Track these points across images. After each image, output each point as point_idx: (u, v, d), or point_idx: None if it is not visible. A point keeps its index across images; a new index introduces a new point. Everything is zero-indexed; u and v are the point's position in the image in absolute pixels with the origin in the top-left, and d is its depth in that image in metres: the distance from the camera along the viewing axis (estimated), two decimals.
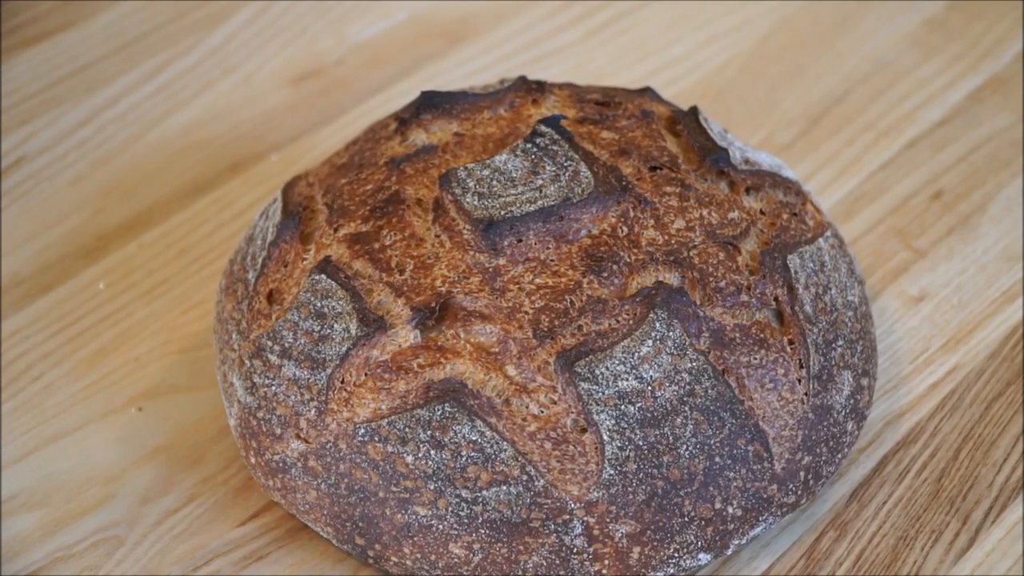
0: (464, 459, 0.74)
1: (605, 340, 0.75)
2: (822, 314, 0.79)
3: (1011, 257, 0.93)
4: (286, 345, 0.77)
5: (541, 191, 0.78)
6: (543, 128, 0.81)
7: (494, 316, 0.76)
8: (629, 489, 0.74)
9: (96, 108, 1.05)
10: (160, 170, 1.01)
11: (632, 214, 0.78)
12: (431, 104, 0.84)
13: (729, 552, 0.77)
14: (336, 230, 0.80)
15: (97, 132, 1.03)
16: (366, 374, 0.76)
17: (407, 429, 0.74)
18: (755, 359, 0.76)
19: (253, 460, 0.79)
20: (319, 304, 0.77)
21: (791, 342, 0.78)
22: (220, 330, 0.83)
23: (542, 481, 0.74)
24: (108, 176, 1.01)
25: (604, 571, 0.75)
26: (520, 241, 0.77)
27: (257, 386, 0.78)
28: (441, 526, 0.74)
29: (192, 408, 0.87)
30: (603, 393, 0.74)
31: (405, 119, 0.84)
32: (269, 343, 0.78)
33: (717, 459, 0.75)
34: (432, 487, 0.74)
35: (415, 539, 0.75)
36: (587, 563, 0.75)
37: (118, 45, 1.10)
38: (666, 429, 0.74)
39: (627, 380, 0.74)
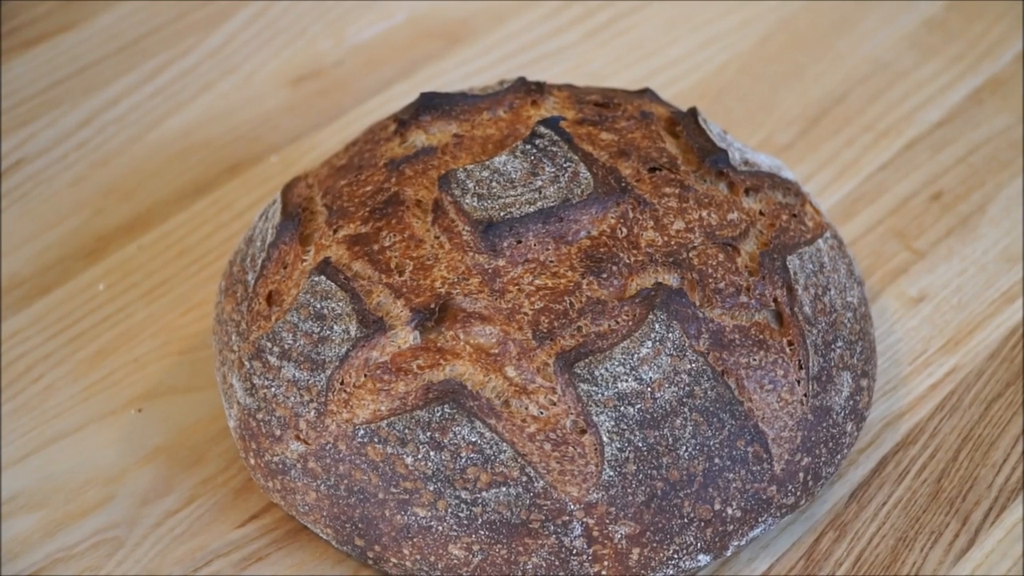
0: (464, 460, 0.74)
1: (604, 341, 0.75)
2: (821, 315, 0.79)
3: (1010, 258, 0.93)
4: (285, 346, 0.77)
5: (540, 192, 0.78)
6: (542, 129, 0.81)
7: (493, 317, 0.76)
8: (628, 490, 0.74)
9: (95, 109, 1.05)
10: (159, 171, 1.01)
11: (631, 215, 0.78)
12: (430, 105, 0.84)
13: (728, 553, 0.77)
14: (335, 231, 0.80)
15: (96, 133, 1.03)
16: (365, 375, 0.76)
17: (407, 430, 0.74)
18: (754, 360, 0.77)
19: (253, 461, 0.79)
20: (318, 305, 0.77)
21: (790, 343, 0.78)
22: (219, 331, 0.83)
23: (541, 482, 0.74)
24: (107, 177, 1.01)
25: (603, 572, 0.75)
26: (519, 242, 0.77)
27: (257, 387, 0.78)
28: (440, 527, 0.74)
29: (192, 409, 0.87)
30: (602, 394, 0.74)
31: (404, 120, 0.84)
32: (269, 344, 0.78)
33: (716, 460, 0.75)
34: (432, 488, 0.74)
35: (414, 540, 0.75)
36: (586, 564, 0.75)
37: (117, 47, 1.10)
38: (665, 430, 0.74)
39: (626, 381, 0.74)
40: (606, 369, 0.74)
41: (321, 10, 1.12)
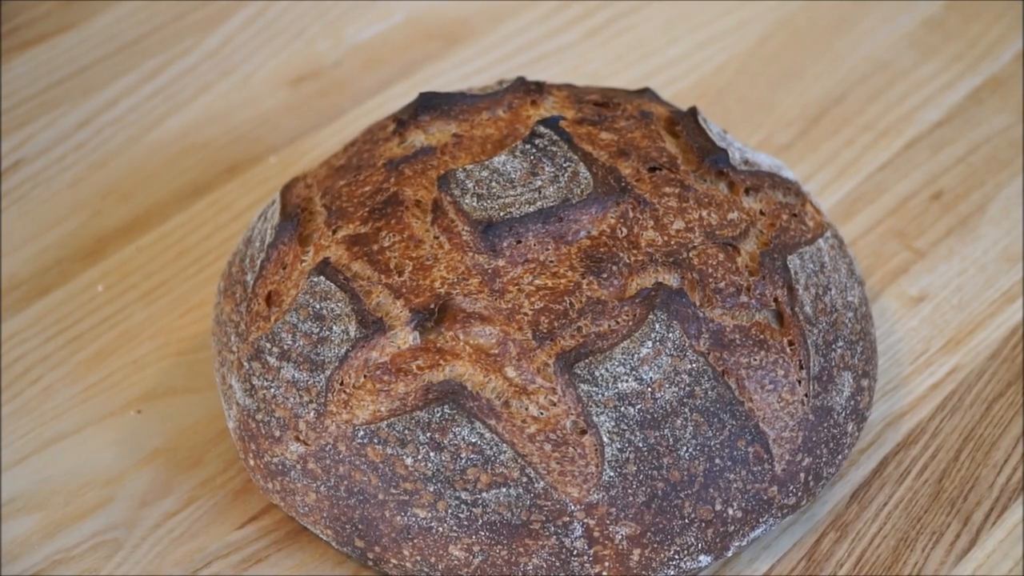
0: (464, 461, 0.74)
1: (605, 341, 0.75)
2: (822, 315, 0.79)
3: (1010, 258, 0.93)
4: (285, 347, 0.77)
5: (540, 192, 0.78)
6: (542, 129, 0.81)
7: (493, 318, 0.75)
8: (629, 491, 0.74)
9: (94, 110, 1.05)
10: (158, 172, 1.01)
11: (631, 215, 0.78)
12: (429, 105, 0.84)
13: (729, 554, 0.77)
14: (335, 232, 0.80)
15: (95, 134, 1.03)
16: (365, 376, 0.75)
17: (406, 431, 0.74)
18: (755, 360, 0.76)
19: (252, 462, 0.79)
20: (318, 306, 0.77)
21: (791, 343, 0.78)
22: (219, 332, 0.83)
23: (542, 483, 0.74)
24: (106, 178, 1.01)
25: (604, 573, 0.75)
26: (519, 242, 0.77)
27: (256, 388, 0.78)
28: (441, 528, 0.74)
29: (191, 410, 0.87)
30: (603, 395, 0.74)
31: (404, 120, 0.84)
32: (268, 345, 0.78)
33: (717, 461, 0.75)
34: (432, 489, 0.74)
35: (415, 541, 0.75)
36: (587, 565, 0.75)
37: (116, 47, 1.10)
38: (666, 431, 0.74)
39: (627, 381, 0.74)
40: (606, 369, 0.74)
41: (319, 10, 1.12)
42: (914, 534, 0.80)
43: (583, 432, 0.74)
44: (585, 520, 0.74)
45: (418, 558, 0.75)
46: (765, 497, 0.76)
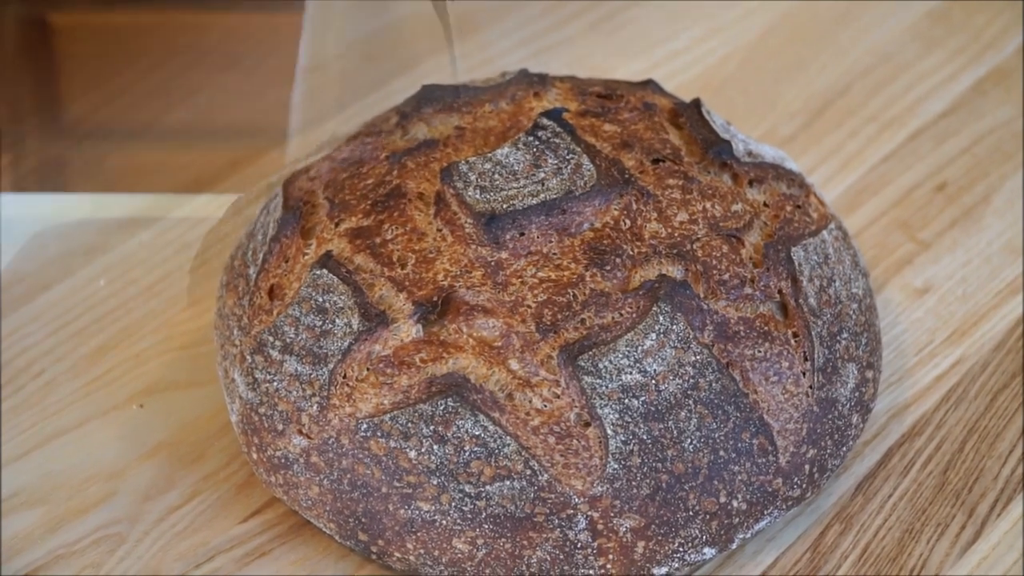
0: (467, 454, 0.74)
1: (608, 334, 0.75)
2: (826, 306, 0.79)
3: (1015, 249, 0.93)
4: (288, 340, 0.77)
5: (543, 184, 0.78)
6: (545, 121, 0.80)
7: (496, 310, 0.75)
8: (633, 483, 0.74)
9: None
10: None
11: (635, 207, 0.78)
12: (432, 98, 0.84)
13: (734, 546, 0.77)
14: (337, 224, 0.79)
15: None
16: (368, 369, 0.75)
17: (409, 424, 0.74)
18: (759, 352, 0.76)
19: (255, 456, 0.79)
20: (320, 299, 0.77)
21: (795, 335, 0.77)
22: (221, 326, 0.83)
23: (546, 476, 0.73)
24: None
25: (608, 566, 0.75)
26: (522, 235, 0.77)
27: (259, 382, 0.78)
28: (444, 521, 0.74)
29: (193, 404, 0.86)
30: (607, 387, 0.74)
31: (406, 113, 0.84)
32: (270, 338, 0.78)
33: (722, 453, 0.75)
34: (435, 482, 0.74)
35: (418, 534, 0.75)
36: (591, 558, 0.74)
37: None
38: (670, 423, 0.74)
39: (631, 374, 0.74)
40: (610, 362, 0.74)
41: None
42: (919, 526, 0.80)
43: (587, 424, 0.74)
44: (589, 513, 0.74)
45: (422, 551, 0.75)
46: (770, 489, 0.76)
